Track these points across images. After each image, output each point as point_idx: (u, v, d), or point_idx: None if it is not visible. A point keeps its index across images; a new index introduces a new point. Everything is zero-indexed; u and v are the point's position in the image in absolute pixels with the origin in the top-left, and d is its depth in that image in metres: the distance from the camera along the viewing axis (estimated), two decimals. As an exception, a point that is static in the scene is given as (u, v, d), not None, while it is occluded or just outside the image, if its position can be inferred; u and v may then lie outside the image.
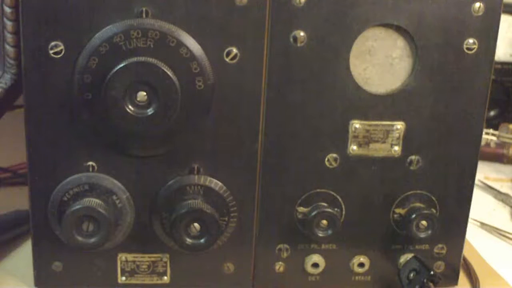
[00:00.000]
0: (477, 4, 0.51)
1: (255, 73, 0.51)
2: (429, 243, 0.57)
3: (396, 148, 0.54)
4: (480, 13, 0.51)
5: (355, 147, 0.54)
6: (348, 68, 0.52)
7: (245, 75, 0.51)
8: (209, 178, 0.53)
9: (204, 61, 0.49)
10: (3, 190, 0.77)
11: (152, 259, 0.55)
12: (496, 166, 0.98)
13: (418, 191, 0.56)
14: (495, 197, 0.85)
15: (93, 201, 0.50)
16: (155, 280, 0.56)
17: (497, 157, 0.99)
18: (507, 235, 0.72)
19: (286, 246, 0.56)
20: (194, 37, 0.49)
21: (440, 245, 0.57)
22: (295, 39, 0.50)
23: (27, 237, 0.62)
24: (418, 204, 0.55)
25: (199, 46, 0.49)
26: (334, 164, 0.54)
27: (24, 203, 0.57)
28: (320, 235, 0.54)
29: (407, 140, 0.54)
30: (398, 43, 0.52)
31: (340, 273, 0.57)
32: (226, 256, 0.56)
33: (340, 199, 0.55)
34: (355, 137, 0.53)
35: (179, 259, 0.55)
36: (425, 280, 0.54)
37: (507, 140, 0.93)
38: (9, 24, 0.49)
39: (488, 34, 0.52)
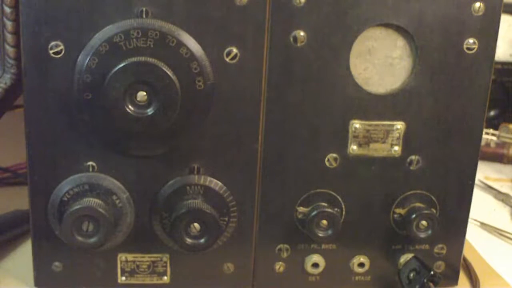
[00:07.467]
0: (477, 4, 0.51)
1: (255, 73, 0.51)
2: (429, 243, 0.57)
3: (396, 148, 0.54)
4: (480, 13, 0.51)
5: (355, 147, 0.54)
6: (348, 68, 0.52)
7: (245, 75, 0.51)
8: (209, 178, 0.53)
9: (204, 61, 0.49)
10: (3, 190, 0.77)
11: (152, 259, 0.55)
12: (496, 166, 0.98)
13: (418, 191, 0.56)
14: (495, 197, 0.85)
15: (93, 201, 0.50)
16: (155, 280, 0.56)
17: (497, 157, 0.99)
18: (507, 235, 0.72)
19: (286, 246, 0.56)
20: (194, 37, 0.49)
21: (440, 245, 0.57)
22: (295, 39, 0.50)
23: (27, 237, 0.62)
24: (418, 204, 0.55)
25: (199, 46, 0.49)
26: (334, 164, 0.54)
27: (24, 203, 0.57)
28: (320, 235, 0.54)
29: (407, 140, 0.54)
30: (398, 43, 0.52)
31: (340, 273, 0.57)
32: (226, 256, 0.56)
33: (340, 199, 0.55)
34: (355, 137, 0.53)
35: (179, 259, 0.55)
36: (425, 280, 0.54)
37: (507, 140, 0.93)
38: (9, 24, 0.49)
39: (488, 34, 0.52)
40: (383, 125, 0.53)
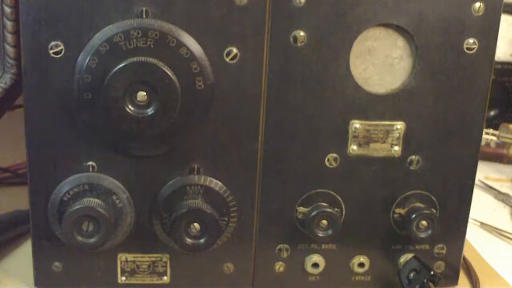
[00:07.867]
0: (477, 4, 0.51)
1: (255, 73, 0.51)
2: (429, 243, 0.57)
3: (396, 148, 0.54)
4: (480, 13, 0.51)
5: (355, 147, 0.54)
6: (348, 68, 0.52)
7: (245, 75, 0.51)
8: (209, 178, 0.53)
9: (204, 61, 0.49)
10: (3, 190, 0.77)
11: (152, 259, 0.55)
12: (496, 166, 0.98)
13: (418, 191, 0.56)
14: (495, 197, 0.85)
15: (93, 201, 0.50)
16: (155, 280, 0.56)
17: (497, 157, 0.99)
18: (507, 235, 0.72)
19: (286, 246, 0.56)
20: (194, 37, 0.49)
21: (440, 245, 0.57)
22: (295, 39, 0.50)
23: (27, 237, 0.62)
24: (418, 204, 0.55)
25: (199, 46, 0.49)
26: (334, 164, 0.54)
27: (24, 203, 0.57)
28: (320, 235, 0.54)
29: (407, 140, 0.54)
30: (398, 43, 0.52)
31: (340, 273, 0.57)
32: (226, 256, 0.56)
33: (340, 199, 0.55)
34: (355, 137, 0.53)
35: (179, 259, 0.55)
36: (425, 280, 0.54)
37: (507, 140, 0.93)
38: (9, 24, 0.49)
39: (488, 34, 0.52)
40: (383, 125, 0.53)
